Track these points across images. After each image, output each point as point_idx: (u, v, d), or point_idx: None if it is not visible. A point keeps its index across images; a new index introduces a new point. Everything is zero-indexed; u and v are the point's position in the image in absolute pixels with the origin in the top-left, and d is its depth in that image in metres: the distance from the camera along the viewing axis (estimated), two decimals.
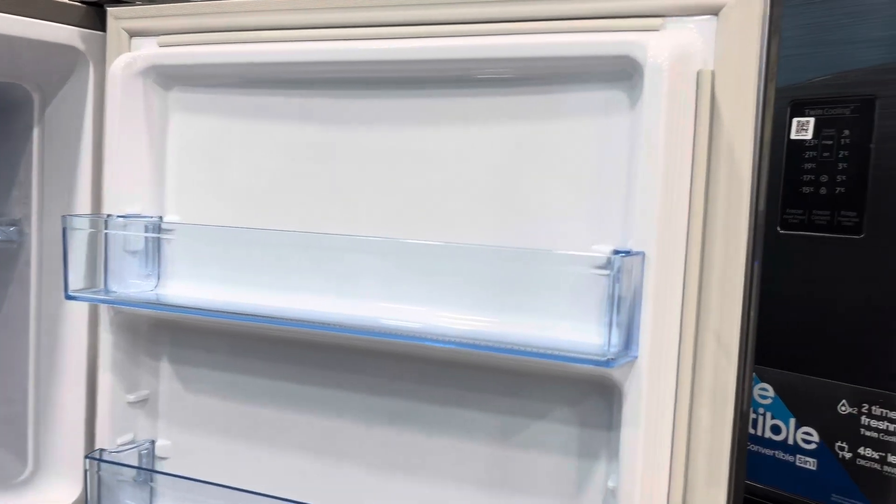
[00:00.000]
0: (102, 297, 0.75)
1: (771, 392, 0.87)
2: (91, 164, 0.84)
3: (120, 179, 0.77)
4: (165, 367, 0.82)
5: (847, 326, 0.81)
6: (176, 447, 0.81)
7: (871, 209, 0.79)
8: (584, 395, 0.65)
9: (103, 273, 0.76)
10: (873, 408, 0.79)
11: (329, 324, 0.66)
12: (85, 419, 0.88)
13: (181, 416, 0.81)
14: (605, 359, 0.55)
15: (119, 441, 0.79)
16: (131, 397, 0.80)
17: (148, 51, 0.77)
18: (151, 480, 0.79)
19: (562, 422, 0.66)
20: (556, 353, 0.57)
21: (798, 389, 0.85)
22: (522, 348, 0.58)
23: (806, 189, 0.84)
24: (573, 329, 0.61)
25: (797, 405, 0.85)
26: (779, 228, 0.86)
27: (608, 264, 0.55)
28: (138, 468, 0.78)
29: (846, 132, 0.81)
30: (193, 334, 0.80)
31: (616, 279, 0.56)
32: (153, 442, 0.82)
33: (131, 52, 0.77)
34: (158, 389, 0.82)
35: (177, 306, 0.73)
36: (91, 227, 0.76)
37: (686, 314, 0.60)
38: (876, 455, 0.78)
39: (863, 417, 0.79)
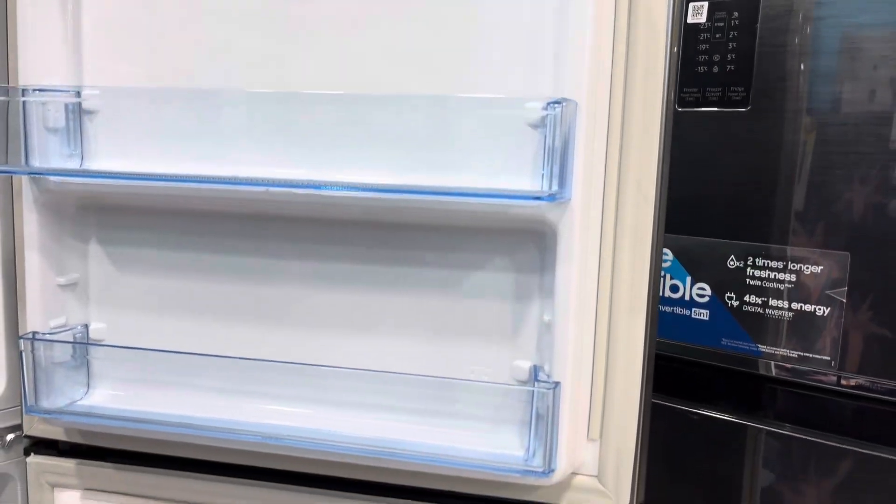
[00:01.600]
0: (26, 169, 0.72)
1: (670, 255, 0.97)
2: None
3: (33, 50, 0.73)
4: (94, 250, 0.80)
5: (735, 191, 0.92)
6: (110, 329, 0.81)
7: (756, 84, 0.89)
8: (518, 245, 0.71)
9: (23, 151, 0.73)
10: (757, 259, 0.90)
11: (266, 180, 0.68)
12: (4, 308, 0.85)
13: (113, 297, 0.81)
14: (547, 194, 0.60)
15: (51, 324, 0.77)
16: (61, 280, 0.78)
17: None
18: (88, 360, 0.79)
19: (499, 270, 0.72)
20: (502, 193, 0.62)
21: (693, 251, 0.95)
22: (470, 191, 0.63)
23: (701, 69, 0.93)
24: (510, 182, 0.66)
25: (692, 265, 0.95)
26: (677, 107, 0.95)
27: (547, 108, 0.60)
28: (75, 343, 0.77)
29: (735, 14, 0.89)
30: (120, 214, 0.79)
31: (553, 124, 0.61)
32: (86, 326, 0.81)
33: None
34: (88, 273, 0.80)
35: (105, 172, 0.72)
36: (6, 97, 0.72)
37: (609, 162, 0.67)
38: (759, 301, 0.90)
39: (748, 269, 0.91)
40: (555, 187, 0.62)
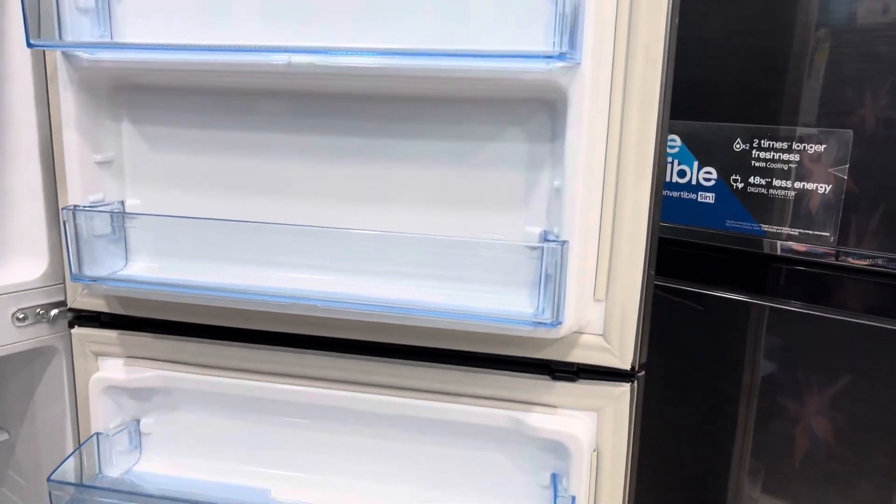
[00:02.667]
0: (60, 43, 0.76)
1: (678, 141, 0.99)
2: None
3: None
4: (127, 129, 0.84)
5: (743, 73, 0.94)
6: (145, 205, 0.86)
7: None
8: (530, 114, 0.74)
9: (57, 31, 0.77)
10: (762, 141, 0.93)
11: (288, 47, 0.71)
12: (44, 190, 0.91)
13: (147, 175, 0.85)
14: (557, 54, 0.63)
15: (90, 199, 0.82)
16: (98, 157, 0.82)
17: None
18: (125, 234, 0.84)
19: (511, 140, 0.75)
20: (514, 53, 0.65)
21: (700, 135, 0.98)
22: (482, 52, 0.66)
23: None
24: (521, 44, 0.69)
25: (699, 149, 0.98)
26: None
27: None
28: (112, 213, 0.82)
29: None
30: (150, 93, 0.83)
31: None
32: (122, 202, 0.86)
33: None
34: (122, 151, 0.85)
35: (134, 44, 0.76)
36: None
37: (619, 28, 0.69)
38: (763, 182, 0.93)
39: (753, 151, 0.94)
40: (565, 48, 0.65)
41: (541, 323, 0.71)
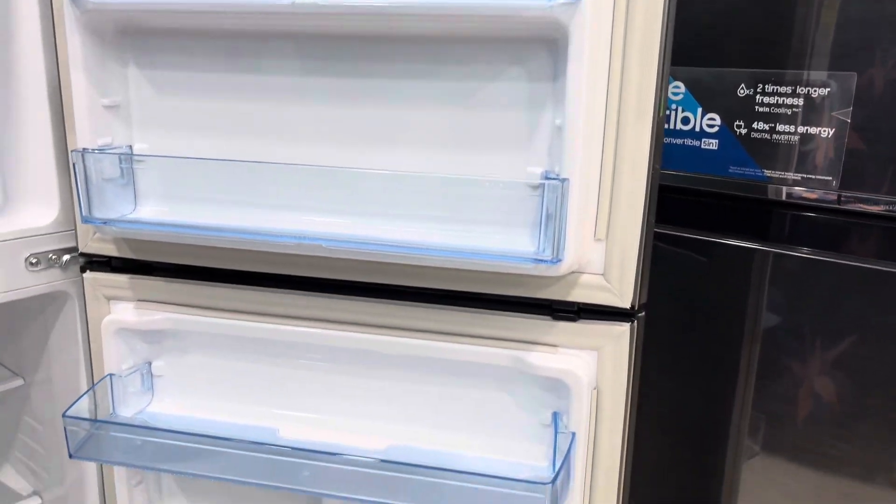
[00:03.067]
0: None
1: (682, 88, 1.00)
2: None
3: None
4: (133, 73, 0.85)
5: (746, 18, 0.93)
6: (152, 150, 0.87)
7: None
8: (531, 53, 0.74)
9: None
10: (766, 86, 0.92)
11: None
12: (53, 136, 0.92)
13: (153, 119, 0.86)
14: None
15: (99, 142, 0.84)
16: (105, 101, 0.84)
17: None
18: (134, 179, 0.85)
19: (513, 79, 0.76)
20: None
21: (704, 81, 0.98)
22: None
23: None
24: None
25: (703, 96, 0.98)
26: None
27: None
28: (121, 154, 0.83)
29: None
30: (155, 37, 0.84)
31: None
32: (130, 147, 0.87)
33: None
34: (129, 96, 0.86)
35: None
36: None
37: None
38: (766, 127, 0.94)
39: (757, 96, 0.94)
40: None
41: (541, 260, 0.73)
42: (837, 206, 0.90)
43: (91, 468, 1.06)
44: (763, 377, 1.01)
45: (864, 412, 0.94)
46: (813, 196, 0.92)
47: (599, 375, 0.82)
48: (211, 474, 0.82)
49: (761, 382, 1.02)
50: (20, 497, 1.17)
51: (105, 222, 0.83)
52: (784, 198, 0.93)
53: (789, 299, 0.96)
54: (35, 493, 1.18)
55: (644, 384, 0.85)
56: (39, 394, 1.12)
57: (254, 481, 0.81)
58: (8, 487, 1.21)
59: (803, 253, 0.93)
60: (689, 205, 1.03)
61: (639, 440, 0.88)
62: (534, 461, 0.85)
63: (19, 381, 1.13)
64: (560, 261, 0.73)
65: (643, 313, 0.82)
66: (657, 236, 0.89)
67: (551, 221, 0.72)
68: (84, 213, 0.83)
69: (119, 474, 0.97)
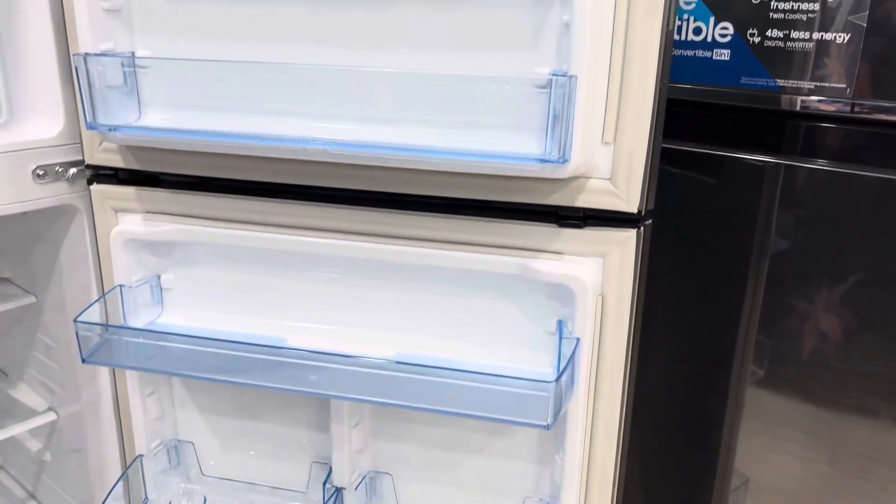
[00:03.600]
0: None
1: None
2: None
3: None
4: None
5: None
6: (155, 56, 0.86)
7: None
8: None
9: None
10: None
11: None
12: (56, 45, 0.91)
13: (156, 25, 0.85)
14: None
15: (101, 47, 0.83)
16: (105, 4, 0.82)
17: None
18: (137, 86, 0.85)
19: None
20: None
21: None
22: None
23: None
24: None
25: (716, 4, 0.96)
26: None
27: None
28: (123, 57, 0.83)
29: None
30: None
31: None
32: (133, 53, 0.86)
33: None
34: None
35: None
36: None
37: None
38: (780, 34, 0.91)
39: (772, 2, 0.91)
40: None
41: (547, 160, 0.72)
42: (851, 114, 0.88)
43: (105, 381, 1.08)
44: (771, 290, 1.01)
45: (877, 331, 0.93)
46: (827, 105, 0.90)
47: (605, 282, 0.82)
48: (219, 377, 0.84)
49: (770, 295, 1.01)
50: (35, 413, 1.20)
51: (110, 128, 0.82)
52: (798, 108, 0.92)
53: (800, 215, 0.95)
54: (50, 409, 1.20)
55: (647, 301, 0.85)
56: (52, 311, 1.13)
57: (262, 384, 0.82)
58: (24, 404, 1.24)
59: (817, 164, 0.92)
60: (700, 119, 1.01)
61: (642, 361, 0.88)
62: (539, 368, 0.86)
63: (31, 299, 1.15)
64: (566, 161, 0.72)
65: (650, 220, 0.81)
66: (667, 152, 0.88)
67: (558, 122, 0.71)
68: (88, 120, 0.82)
69: (132, 384, 0.99)
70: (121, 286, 0.93)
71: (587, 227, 0.81)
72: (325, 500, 0.93)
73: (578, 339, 0.82)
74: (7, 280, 1.20)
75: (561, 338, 0.83)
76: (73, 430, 1.16)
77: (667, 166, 1.00)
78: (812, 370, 1.01)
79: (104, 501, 0.93)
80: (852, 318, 0.95)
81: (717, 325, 1.09)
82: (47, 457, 1.26)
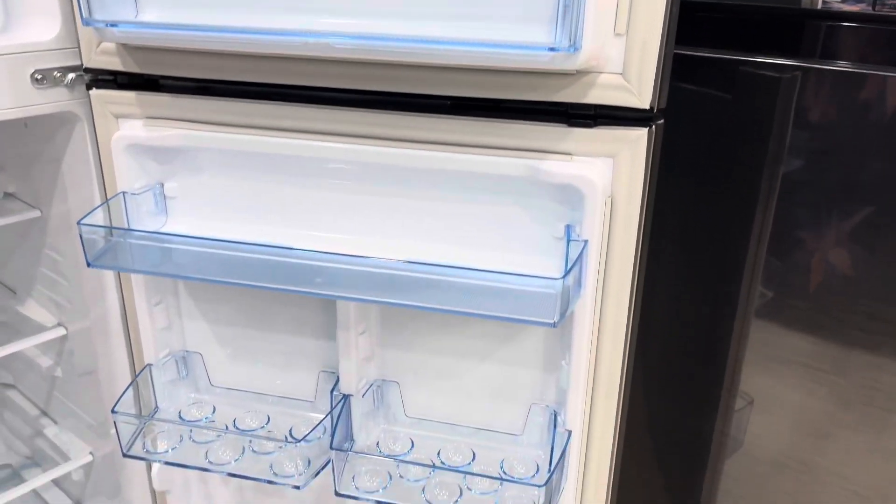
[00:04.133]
0: None
1: None
2: None
3: None
4: None
5: None
6: None
7: None
8: None
9: None
10: None
11: None
12: None
13: None
14: None
15: None
16: None
17: None
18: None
19: None
20: None
21: None
22: None
23: None
24: None
25: None
26: None
27: None
28: None
29: None
30: None
31: None
32: None
33: None
34: None
35: None
36: None
37: None
38: None
39: None
40: None
41: (557, 48, 0.69)
42: (874, 13, 0.85)
43: (113, 294, 1.08)
44: (781, 216, 0.99)
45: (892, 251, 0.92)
46: (854, 9, 0.86)
47: (614, 183, 0.80)
48: (224, 279, 0.83)
49: (783, 203, 0.99)
50: (45, 328, 1.21)
51: (107, 24, 0.80)
52: (820, 5, 0.88)
53: (818, 119, 0.92)
54: (60, 324, 1.21)
55: (658, 220, 0.83)
56: (58, 225, 1.13)
57: (268, 285, 0.82)
58: (33, 321, 1.25)
59: (839, 66, 0.89)
60: (714, 22, 0.98)
61: (650, 275, 0.87)
62: (547, 273, 0.85)
63: (36, 213, 1.14)
64: (577, 50, 0.69)
65: (662, 120, 0.79)
66: (679, 58, 0.85)
67: (569, 9, 0.69)
68: (84, 15, 0.80)
69: (139, 294, 0.99)
70: (124, 192, 0.92)
71: (597, 126, 0.79)
72: (333, 406, 0.94)
73: (586, 242, 0.80)
74: (11, 195, 1.20)
75: (569, 241, 0.82)
76: (83, 345, 1.17)
77: (679, 82, 0.97)
78: (822, 296, 1.00)
79: (113, 407, 0.94)
80: (868, 237, 0.93)
81: (726, 244, 1.07)
82: (58, 373, 1.28)
